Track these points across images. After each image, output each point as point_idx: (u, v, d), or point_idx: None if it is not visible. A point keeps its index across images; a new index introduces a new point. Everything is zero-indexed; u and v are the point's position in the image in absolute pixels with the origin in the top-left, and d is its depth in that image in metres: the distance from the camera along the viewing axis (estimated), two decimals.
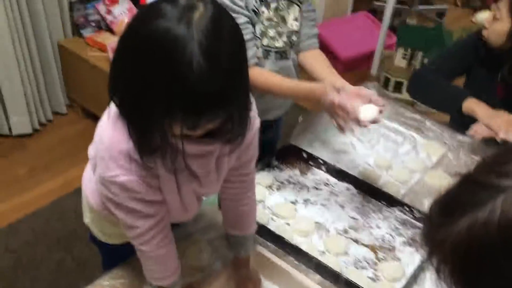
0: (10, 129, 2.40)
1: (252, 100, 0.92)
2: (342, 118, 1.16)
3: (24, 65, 2.29)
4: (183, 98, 0.69)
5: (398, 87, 2.89)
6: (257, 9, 1.26)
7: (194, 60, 0.67)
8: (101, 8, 2.42)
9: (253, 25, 1.27)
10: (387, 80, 2.95)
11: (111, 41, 2.32)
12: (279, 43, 1.34)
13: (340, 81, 1.26)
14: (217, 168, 0.93)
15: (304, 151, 1.48)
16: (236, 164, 0.98)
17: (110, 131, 0.83)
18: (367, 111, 1.14)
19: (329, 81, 1.22)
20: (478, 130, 1.48)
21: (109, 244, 1.15)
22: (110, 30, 2.46)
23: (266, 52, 1.32)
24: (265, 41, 1.31)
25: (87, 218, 1.15)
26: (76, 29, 2.46)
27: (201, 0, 0.72)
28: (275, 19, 1.30)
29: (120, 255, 1.13)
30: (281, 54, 1.36)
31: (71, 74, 2.51)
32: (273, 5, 1.28)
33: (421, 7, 3.82)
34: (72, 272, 1.83)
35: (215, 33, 0.70)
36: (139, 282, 1.08)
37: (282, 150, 1.52)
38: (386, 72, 2.95)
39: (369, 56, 3.21)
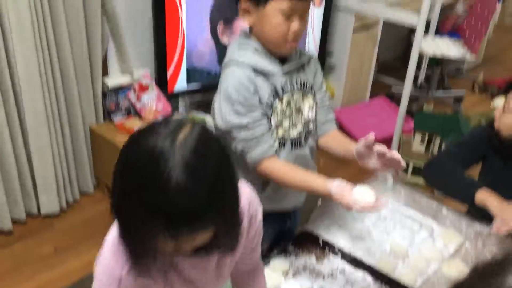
0: (38, 208, 2.49)
1: (254, 193, 0.97)
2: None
3: (57, 147, 2.43)
4: (161, 211, 0.72)
5: (416, 171, 2.92)
6: (271, 103, 1.34)
7: (174, 175, 0.71)
8: (132, 95, 2.59)
9: (269, 118, 1.36)
10: (405, 164, 2.98)
11: (139, 127, 2.46)
12: (293, 133, 1.41)
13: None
14: (218, 269, 0.96)
15: (321, 237, 1.50)
16: (242, 254, 1.02)
17: (110, 253, 0.87)
18: (362, 195, 1.19)
19: (339, 191, 1.23)
20: (500, 227, 1.48)
21: None
22: (139, 115, 2.61)
23: (282, 142, 1.40)
24: (280, 132, 1.38)
25: None
26: (108, 114, 2.62)
27: (190, 121, 0.79)
28: (288, 111, 1.38)
29: None
30: (296, 143, 1.43)
31: (99, 156, 2.65)
32: (285, 98, 1.37)
33: (438, 92, 3.93)
34: None
35: (198, 151, 0.74)
36: None
37: (299, 236, 1.54)
38: (404, 157, 2.99)
39: (387, 141, 3.27)
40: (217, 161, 0.77)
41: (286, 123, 1.39)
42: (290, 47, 1.33)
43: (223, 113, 1.32)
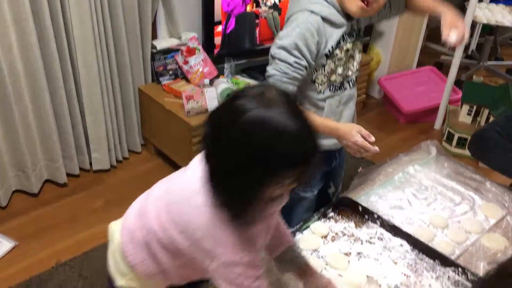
0: (91, 164, 2.64)
1: None
2: (361, 153, 1.40)
3: (108, 108, 2.54)
4: (289, 156, 0.86)
5: (461, 142, 2.87)
6: (331, 52, 1.47)
7: (288, 125, 0.85)
8: (179, 58, 2.65)
9: (323, 66, 1.49)
10: (450, 135, 2.93)
11: (185, 89, 2.53)
12: (340, 78, 1.55)
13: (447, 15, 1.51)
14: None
15: (360, 204, 1.54)
16: None
17: (225, 217, 0.94)
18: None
19: (355, 128, 1.39)
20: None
21: None
22: (185, 78, 2.68)
23: (333, 86, 1.55)
24: (333, 78, 1.52)
25: (122, 281, 1.15)
26: (156, 76, 2.69)
27: (269, 87, 0.92)
28: (345, 58, 1.52)
29: None
30: (345, 86, 1.59)
31: (147, 116, 2.74)
32: (345, 47, 1.50)
33: (490, 62, 3.79)
34: None
35: (292, 102, 0.90)
36: None
37: (338, 202, 1.58)
38: (450, 127, 2.94)
39: (433, 110, 3.22)
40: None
41: (340, 70, 1.52)
42: (362, 7, 1.39)
43: (280, 41, 1.42)
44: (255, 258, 0.98)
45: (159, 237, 1.05)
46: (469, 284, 1.30)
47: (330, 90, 1.55)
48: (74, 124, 2.49)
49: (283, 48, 1.40)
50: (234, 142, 0.86)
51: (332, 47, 1.46)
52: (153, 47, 2.65)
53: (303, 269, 1.21)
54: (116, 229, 1.16)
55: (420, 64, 3.63)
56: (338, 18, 1.45)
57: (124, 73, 2.57)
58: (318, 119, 1.45)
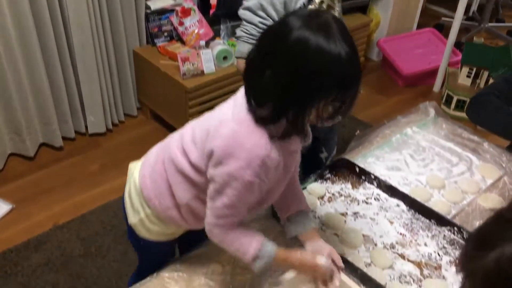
0: (86, 127, 2.61)
1: None
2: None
3: (102, 70, 2.50)
4: (341, 78, 0.89)
5: (460, 105, 2.85)
6: (305, 7, 1.44)
7: (342, 51, 0.87)
8: (174, 19, 2.59)
9: None
10: (449, 98, 2.91)
11: (181, 51, 2.48)
12: None
13: None
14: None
15: (357, 165, 1.53)
16: None
17: (248, 134, 0.96)
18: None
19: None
20: None
21: (152, 241, 1.22)
22: (181, 40, 2.62)
23: None
24: None
25: (134, 219, 1.18)
26: (151, 38, 2.63)
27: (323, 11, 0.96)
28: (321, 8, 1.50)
29: (161, 251, 1.27)
30: None
31: (143, 79, 2.70)
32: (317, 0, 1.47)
33: (491, 24, 3.73)
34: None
35: (345, 29, 0.91)
36: (194, 274, 1.19)
37: (335, 163, 1.57)
38: (449, 90, 2.91)
39: (433, 72, 3.18)
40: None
41: None
42: None
43: (246, 2, 1.48)
44: (255, 184, 0.97)
45: (178, 164, 1.07)
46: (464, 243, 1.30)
47: None
48: (68, 87, 2.45)
49: (248, 9, 1.43)
50: (280, 58, 0.89)
51: (304, 3, 1.44)
52: (147, 7, 2.58)
53: (309, 234, 1.20)
54: (136, 167, 1.19)
55: (420, 26, 3.56)
56: None
57: (118, 34, 2.51)
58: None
